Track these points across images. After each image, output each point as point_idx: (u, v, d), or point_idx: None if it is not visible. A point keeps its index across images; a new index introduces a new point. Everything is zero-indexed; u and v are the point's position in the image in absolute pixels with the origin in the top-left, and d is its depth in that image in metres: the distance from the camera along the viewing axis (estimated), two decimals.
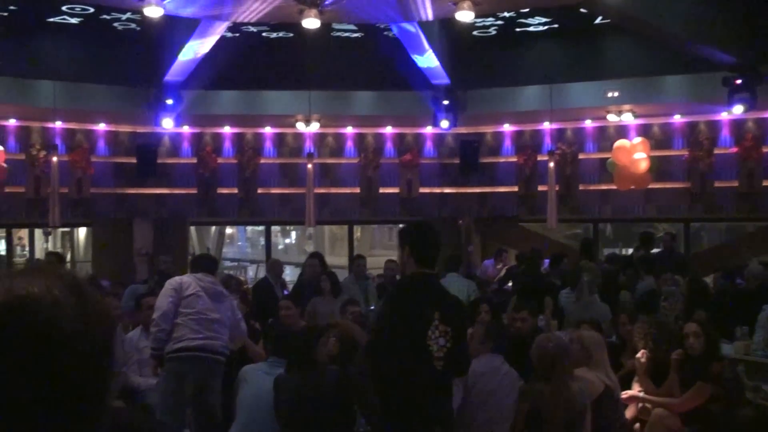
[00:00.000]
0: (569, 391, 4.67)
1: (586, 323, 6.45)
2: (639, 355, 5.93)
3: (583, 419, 4.71)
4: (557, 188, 12.93)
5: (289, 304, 7.46)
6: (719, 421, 5.38)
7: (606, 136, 13.57)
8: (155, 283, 9.84)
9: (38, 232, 16.17)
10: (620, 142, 12.46)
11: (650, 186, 12.63)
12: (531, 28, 12.72)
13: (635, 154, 12.07)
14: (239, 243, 23.65)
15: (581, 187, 13.68)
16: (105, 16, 11.58)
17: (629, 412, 5.74)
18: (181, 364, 6.08)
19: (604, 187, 13.46)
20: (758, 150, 12.47)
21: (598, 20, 12.22)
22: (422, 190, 14.14)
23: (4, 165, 11.76)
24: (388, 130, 14.31)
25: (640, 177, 12.21)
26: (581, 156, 13.72)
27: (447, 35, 12.06)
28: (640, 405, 5.82)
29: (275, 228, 18.40)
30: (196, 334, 6.09)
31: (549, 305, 8.27)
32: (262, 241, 17.23)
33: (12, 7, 10.98)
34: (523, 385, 5.01)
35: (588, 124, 13.72)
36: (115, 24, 11.98)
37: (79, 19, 11.79)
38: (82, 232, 17.07)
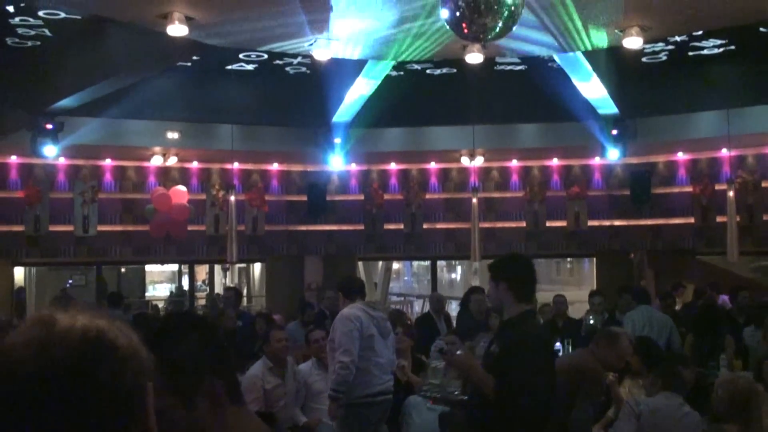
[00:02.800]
0: None
1: None
2: None
3: None
4: (738, 219, 12.16)
5: (454, 339, 7.43)
6: None
7: None
8: (313, 317, 10.11)
9: (217, 268, 17.06)
10: None
11: None
12: (705, 51, 12.14)
13: None
14: (405, 278, 23.91)
15: (765, 217, 12.79)
16: (278, 61, 12.17)
17: None
18: (368, 408, 6.26)
19: None
20: None
21: None
22: (591, 222, 13.73)
23: (189, 205, 12.55)
24: (554, 162, 14.05)
25: None
26: (765, 184, 12.84)
27: (614, 63, 11.73)
28: None
29: (441, 263, 18.46)
30: (379, 379, 6.27)
31: (730, 345, 7.73)
32: (429, 276, 17.33)
33: (195, 57, 11.77)
34: (709, 427, 4.69)
35: None
36: (287, 68, 12.56)
37: (254, 65, 12.46)
38: (257, 268, 17.87)
